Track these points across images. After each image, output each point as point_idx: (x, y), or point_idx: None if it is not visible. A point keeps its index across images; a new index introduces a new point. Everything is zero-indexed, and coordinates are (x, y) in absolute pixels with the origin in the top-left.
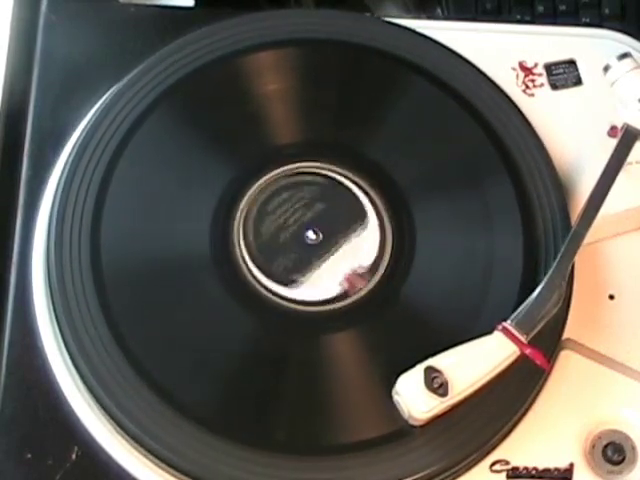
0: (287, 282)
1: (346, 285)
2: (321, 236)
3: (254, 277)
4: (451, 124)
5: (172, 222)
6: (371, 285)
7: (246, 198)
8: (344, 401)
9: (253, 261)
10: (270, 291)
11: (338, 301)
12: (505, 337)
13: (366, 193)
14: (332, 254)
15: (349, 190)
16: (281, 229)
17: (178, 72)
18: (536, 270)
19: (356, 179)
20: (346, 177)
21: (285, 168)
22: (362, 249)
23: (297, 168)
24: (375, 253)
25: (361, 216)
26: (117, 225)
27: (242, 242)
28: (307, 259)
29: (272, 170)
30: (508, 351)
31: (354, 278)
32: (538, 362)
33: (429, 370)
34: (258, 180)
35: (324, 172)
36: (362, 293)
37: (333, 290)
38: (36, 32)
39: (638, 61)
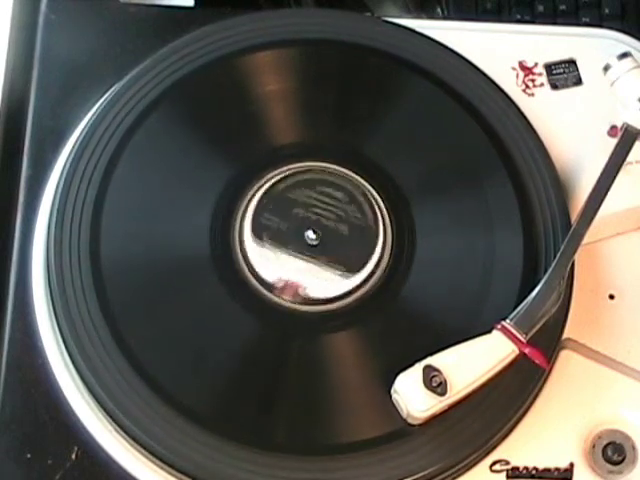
0: (257, 235)
1: (280, 284)
2: (316, 243)
3: (254, 276)
4: (451, 124)
5: (172, 222)
6: (371, 285)
7: (245, 199)
8: (344, 401)
9: (250, 219)
10: (270, 291)
11: (338, 301)
12: (504, 336)
13: (367, 193)
14: (306, 260)
15: (373, 244)
16: (299, 207)
17: (178, 72)
18: (536, 270)
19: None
20: (382, 217)
21: (350, 174)
22: (324, 285)
23: (362, 184)
24: (340, 291)
25: (353, 269)
26: (117, 225)
27: (242, 242)
28: (288, 241)
29: (272, 170)
30: (507, 350)
31: (291, 289)
32: (537, 361)
33: (428, 369)
34: (258, 180)
35: (378, 212)
36: (363, 291)
37: (270, 275)
38: (36, 32)
39: (638, 61)
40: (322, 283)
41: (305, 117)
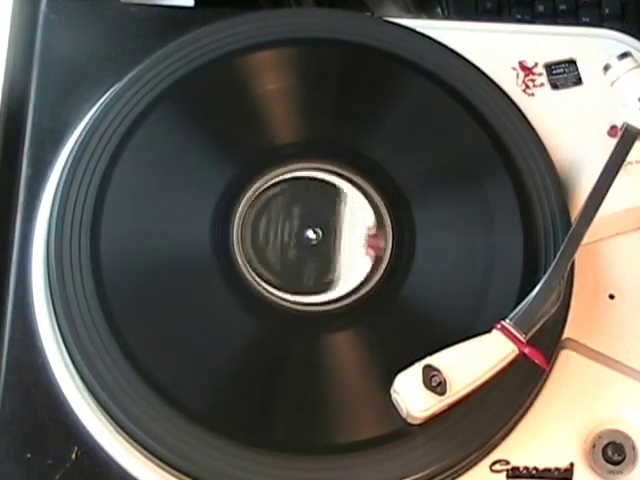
0: (323, 288)
1: (372, 252)
2: (320, 232)
3: (254, 276)
4: (451, 124)
5: (172, 222)
6: (371, 285)
7: (245, 199)
8: (344, 401)
9: (253, 260)
10: (270, 290)
11: (338, 301)
12: (503, 336)
13: (367, 193)
14: (339, 242)
15: (311, 180)
16: (281, 237)
17: (178, 72)
18: (536, 270)
19: (353, 177)
20: (364, 190)
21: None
22: (357, 217)
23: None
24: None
25: (336, 194)
26: (117, 225)
27: (242, 242)
28: (323, 258)
29: (272, 170)
30: (506, 350)
31: (373, 241)
32: (537, 361)
33: (427, 368)
34: (258, 180)
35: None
36: (363, 291)
37: (366, 265)
38: (36, 32)
39: (638, 61)
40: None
41: (305, 117)
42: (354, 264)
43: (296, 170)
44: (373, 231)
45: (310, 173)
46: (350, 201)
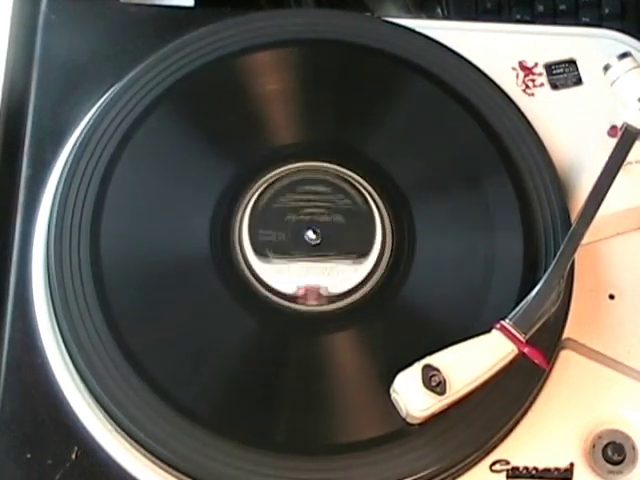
0: (260, 253)
1: (301, 292)
2: (319, 241)
3: (254, 276)
4: (451, 124)
5: (172, 222)
6: (371, 285)
7: (245, 199)
8: (344, 401)
9: (248, 240)
10: (270, 290)
11: (338, 301)
12: (503, 336)
13: (366, 193)
14: (316, 261)
15: (372, 224)
16: (290, 213)
17: (178, 72)
18: (536, 270)
19: (353, 177)
20: (377, 205)
21: (324, 165)
22: (341, 278)
23: (341, 173)
24: (358, 279)
25: (363, 252)
26: (117, 225)
27: (242, 241)
28: (292, 249)
29: (272, 170)
30: (506, 350)
31: (312, 293)
32: (536, 361)
33: (427, 368)
34: (258, 180)
35: (365, 194)
36: (362, 293)
37: (288, 288)
38: (36, 32)
39: (638, 61)
40: (339, 277)
41: (305, 117)
42: (284, 276)
43: (296, 170)
44: (325, 294)
45: (310, 173)
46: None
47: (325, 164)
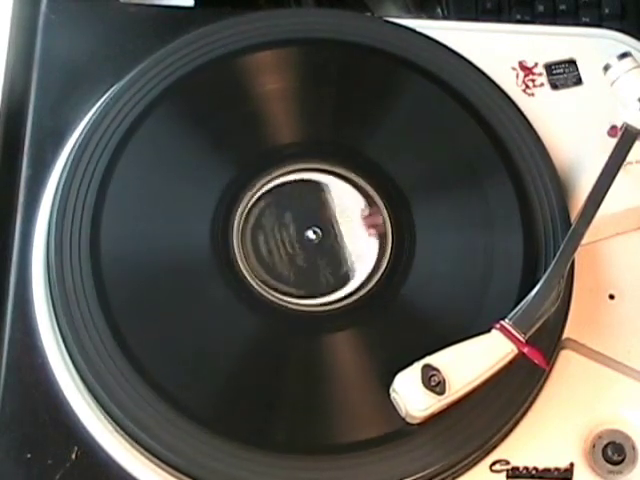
0: (343, 281)
1: (373, 231)
2: (320, 231)
3: (254, 276)
4: (451, 124)
5: (172, 222)
6: (371, 285)
7: (245, 199)
8: (344, 401)
9: (254, 260)
10: (270, 291)
11: (338, 301)
12: (503, 336)
13: (367, 193)
14: (341, 234)
15: (311, 180)
16: (282, 237)
17: (178, 72)
18: (536, 270)
19: (353, 177)
20: (363, 190)
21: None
22: (347, 203)
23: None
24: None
25: (320, 189)
26: (117, 225)
27: (242, 241)
28: (329, 255)
29: (272, 170)
30: (506, 350)
31: (371, 220)
32: (536, 361)
33: (426, 368)
34: (258, 180)
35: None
36: (362, 293)
37: (374, 246)
38: (36, 32)
39: (638, 61)
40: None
41: (305, 117)
42: (361, 252)
43: (296, 170)
44: (367, 212)
45: (310, 174)
46: (339, 193)
47: (322, 165)
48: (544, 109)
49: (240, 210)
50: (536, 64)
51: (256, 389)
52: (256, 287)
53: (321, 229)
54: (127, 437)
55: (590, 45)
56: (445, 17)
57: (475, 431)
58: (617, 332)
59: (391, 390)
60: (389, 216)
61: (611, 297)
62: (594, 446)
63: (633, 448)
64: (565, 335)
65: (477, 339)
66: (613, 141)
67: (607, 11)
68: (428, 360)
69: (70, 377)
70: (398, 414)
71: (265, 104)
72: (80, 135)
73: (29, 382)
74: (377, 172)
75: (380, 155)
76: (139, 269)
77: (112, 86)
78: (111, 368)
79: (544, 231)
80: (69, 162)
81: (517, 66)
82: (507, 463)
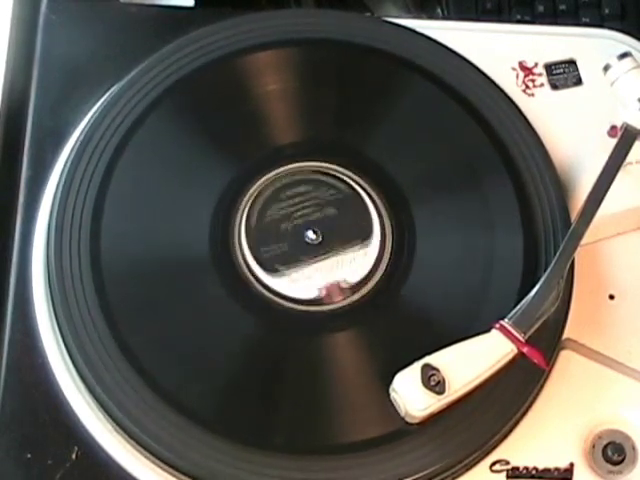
0: (270, 269)
1: (324, 293)
2: (320, 238)
3: (254, 276)
4: (451, 124)
5: (172, 222)
6: (371, 285)
7: (245, 199)
8: (344, 401)
9: (254, 260)
10: (270, 291)
11: (338, 301)
12: (502, 335)
13: (367, 193)
14: (325, 259)
15: (364, 206)
16: (283, 222)
17: (178, 72)
18: (536, 270)
19: (361, 182)
20: (366, 192)
21: (298, 165)
22: (354, 265)
23: (316, 167)
24: (372, 260)
25: (366, 234)
26: (117, 225)
27: (242, 241)
28: (298, 255)
29: (272, 170)
30: (505, 349)
31: (334, 289)
32: (535, 361)
33: (426, 368)
34: (258, 180)
35: (347, 180)
36: (362, 293)
37: (310, 293)
38: (36, 32)
39: (638, 61)
40: (352, 266)
41: (305, 117)
42: (301, 282)
43: (295, 170)
44: (345, 286)
45: (270, 189)
46: (368, 243)
47: (302, 163)
48: (544, 109)
49: (240, 210)
50: (536, 64)
51: (256, 389)
52: (257, 287)
53: (321, 229)
54: (127, 437)
55: (590, 45)
56: (445, 17)
57: (475, 431)
58: (617, 332)
59: (391, 390)
60: (389, 216)
61: (611, 297)
62: (594, 446)
63: (633, 448)
64: (565, 335)
65: (477, 339)
66: (613, 141)
67: (607, 11)
68: (428, 360)
69: (70, 377)
70: (398, 414)
71: (265, 104)
72: (80, 135)
73: (29, 382)
74: (377, 172)
75: (380, 155)
76: (139, 269)
77: (112, 86)
78: (111, 368)
79: (544, 231)
80: (69, 162)
81: (517, 66)
82: (507, 463)
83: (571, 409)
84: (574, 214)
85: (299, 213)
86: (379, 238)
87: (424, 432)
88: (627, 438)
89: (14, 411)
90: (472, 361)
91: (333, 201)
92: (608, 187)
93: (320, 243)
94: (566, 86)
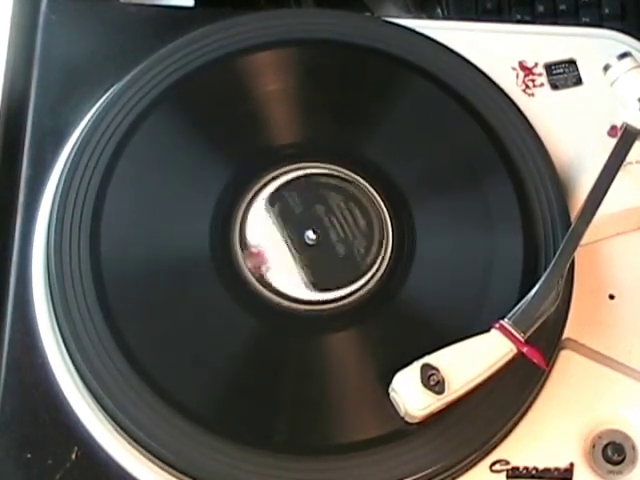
0: (271, 202)
1: (252, 249)
2: (320, 238)
3: (254, 276)
4: (451, 124)
5: (172, 222)
6: (371, 285)
7: (245, 199)
8: (344, 401)
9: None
10: (270, 290)
11: (338, 301)
12: (502, 335)
13: (367, 193)
14: (292, 253)
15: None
16: (307, 207)
17: (178, 72)
18: (536, 270)
19: (360, 182)
20: (366, 192)
21: (298, 165)
22: (289, 280)
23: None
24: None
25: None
26: (117, 225)
27: (242, 242)
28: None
29: (272, 170)
30: (505, 349)
31: (257, 258)
32: (535, 360)
33: (426, 367)
34: (258, 180)
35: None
36: (361, 292)
37: (252, 237)
38: (36, 32)
39: (638, 61)
40: (286, 277)
41: (305, 117)
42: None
43: (296, 170)
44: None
45: (309, 174)
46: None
47: (302, 164)
48: (544, 109)
49: (240, 210)
50: (536, 64)
51: (256, 389)
52: (257, 287)
53: (321, 229)
54: (127, 437)
55: (590, 45)
56: (445, 17)
57: (475, 431)
58: (617, 332)
59: (390, 389)
60: (389, 216)
61: (611, 297)
62: (594, 446)
63: (633, 448)
64: (565, 335)
65: (476, 338)
66: (613, 141)
67: (607, 11)
68: (427, 359)
69: (70, 377)
70: (397, 414)
71: (265, 104)
72: (80, 135)
73: (29, 382)
74: (377, 172)
75: (380, 155)
76: (139, 269)
77: (112, 86)
78: (111, 368)
79: (544, 231)
80: (69, 162)
81: (517, 66)
82: (507, 463)
83: (571, 409)
84: (574, 214)
85: (334, 220)
86: (379, 238)
87: (424, 432)
88: (627, 438)
89: (14, 411)
90: (472, 361)
91: (351, 251)
92: (608, 187)
93: (320, 243)
94: (566, 86)
